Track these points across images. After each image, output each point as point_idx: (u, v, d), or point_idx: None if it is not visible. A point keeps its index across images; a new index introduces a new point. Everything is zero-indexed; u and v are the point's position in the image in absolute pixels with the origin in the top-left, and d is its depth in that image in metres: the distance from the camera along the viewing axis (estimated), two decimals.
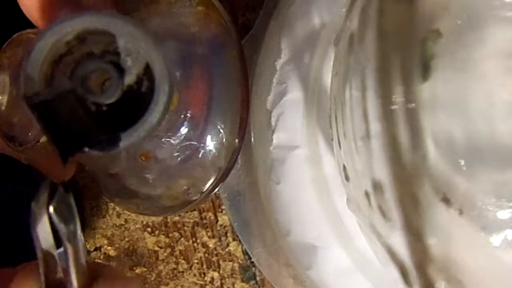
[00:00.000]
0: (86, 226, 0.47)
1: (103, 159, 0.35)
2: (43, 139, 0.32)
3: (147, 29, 0.25)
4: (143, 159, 0.34)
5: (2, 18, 0.39)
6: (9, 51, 0.31)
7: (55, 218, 0.23)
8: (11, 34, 0.32)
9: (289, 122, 0.33)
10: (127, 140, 0.25)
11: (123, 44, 0.25)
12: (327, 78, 0.32)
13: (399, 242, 0.22)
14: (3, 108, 0.31)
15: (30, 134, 0.32)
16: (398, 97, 0.21)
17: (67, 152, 0.25)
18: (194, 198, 0.37)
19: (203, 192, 0.37)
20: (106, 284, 0.27)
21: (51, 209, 0.23)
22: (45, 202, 0.23)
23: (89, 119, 0.25)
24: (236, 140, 0.36)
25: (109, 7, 0.33)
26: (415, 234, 0.21)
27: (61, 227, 0.24)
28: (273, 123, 0.34)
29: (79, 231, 0.25)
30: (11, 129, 0.32)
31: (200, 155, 0.36)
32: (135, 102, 0.26)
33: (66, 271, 0.25)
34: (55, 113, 0.25)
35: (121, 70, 0.25)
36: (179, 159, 0.35)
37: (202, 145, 0.35)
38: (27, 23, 0.33)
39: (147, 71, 0.26)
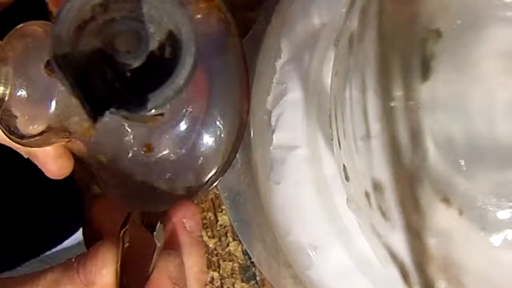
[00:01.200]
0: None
1: (104, 146, 0.35)
2: (44, 132, 0.32)
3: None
4: (145, 150, 0.34)
5: (3, 10, 0.39)
6: (12, 43, 0.31)
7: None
8: (12, 26, 0.32)
9: (289, 122, 0.33)
10: (155, 101, 0.25)
11: (146, 10, 0.25)
12: (327, 78, 0.32)
13: (399, 242, 0.22)
14: (6, 100, 0.31)
15: (30, 127, 0.32)
16: (398, 97, 0.21)
17: (96, 111, 0.25)
18: (192, 193, 0.37)
19: (201, 187, 0.37)
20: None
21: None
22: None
23: (116, 81, 0.26)
24: (235, 138, 0.36)
25: None
26: (415, 234, 0.21)
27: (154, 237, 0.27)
28: (273, 123, 0.33)
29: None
30: (13, 122, 0.32)
31: (198, 150, 0.36)
32: (158, 68, 0.26)
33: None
34: (83, 74, 0.25)
35: (145, 37, 0.26)
36: (178, 153, 0.35)
37: (201, 140, 0.35)
38: (29, 15, 0.33)
39: (170, 37, 0.26)
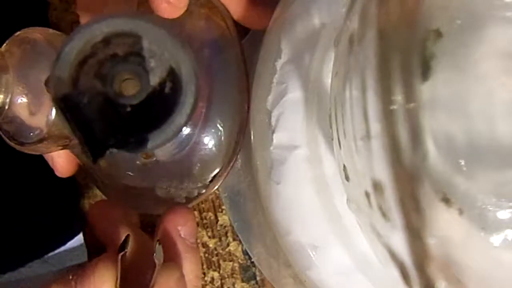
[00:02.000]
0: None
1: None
2: (45, 138, 0.32)
3: (174, 31, 0.25)
4: (144, 157, 0.34)
5: (2, 16, 0.39)
6: (12, 49, 0.31)
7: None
8: (11, 32, 0.32)
9: (289, 122, 0.33)
10: (155, 141, 0.26)
11: (147, 46, 0.25)
12: (327, 78, 0.32)
13: (399, 242, 0.22)
14: (6, 107, 0.31)
15: (31, 134, 0.32)
16: (398, 97, 0.21)
17: (97, 152, 0.25)
18: (193, 195, 0.37)
19: (202, 190, 0.37)
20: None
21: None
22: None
23: (116, 120, 0.26)
24: (235, 139, 0.36)
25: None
26: (415, 234, 0.21)
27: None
28: (273, 123, 0.33)
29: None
30: (13, 129, 0.32)
31: (199, 153, 0.36)
32: (158, 104, 0.26)
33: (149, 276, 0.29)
34: (83, 114, 0.25)
35: (145, 72, 0.26)
36: (178, 156, 0.35)
37: (201, 143, 0.35)
38: (27, 22, 0.33)
39: (171, 74, 0.26)
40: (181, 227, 0.34)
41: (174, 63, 0.26)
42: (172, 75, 0.26)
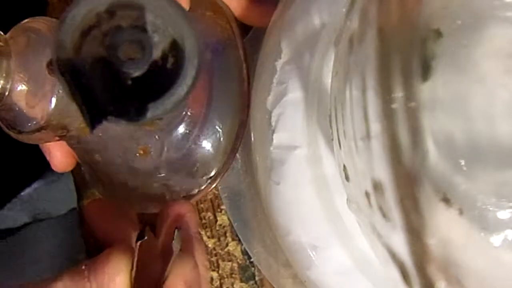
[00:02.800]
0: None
1: (101, 145, 0.35)
2: (43, 128, 0.32)
3: (178, 4, 0.25)
4: (141, 153, 0.34)
5: (6, 5, 0.39)
6: (16, 37, 0.31)
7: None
8: (14, 21, 0.32)
9: (289, 122, 0.33)
10: (154, 111, 0.25)
11: (151, 19, 0.25)
12: (327, 78, 0.32)
13: (399, 242, 0.22)
14: (6, 94, 0.30)
15: (29, 123, 0.31)
16: (398, 97, 0.21)
17: (95, 118, 0.25)
18: (191, 194, 0.37)
19: (199, 189, 0.37)
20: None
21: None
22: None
23: (117, 89, 0.26)
24: (234, 140, 0.36)
25: None
26: (415, 234, 0.21)
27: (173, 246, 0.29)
28: (273, 123, 0.33)
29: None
30: (12, 116, 0.32)
31: (197, 153, 0.36)
32: (160, 77, 0.26)
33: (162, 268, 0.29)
34: (84, 80, 0.25)
35: (148, 45, 0.26)
36: (175, 156, 0.35)
37: (199, 143, 0.35)
38: (31, 11, 0.33)
39: (174, 48, 0.26)
40: (181, 219, 0.34)
41: (177, 36, 0.26)
42: (175, 49, 0.26)
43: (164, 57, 0.26)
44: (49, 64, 0.29)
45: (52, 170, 0.40)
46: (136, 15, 0.26)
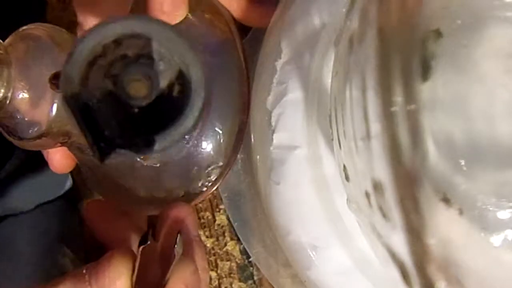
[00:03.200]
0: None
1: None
2: (44, 135, 0.32)
3: (185, 36, 0.25)
4: (142, 158, 0.34)
5: (5, 5, 0.39)
6: (15, 44, 0.31)
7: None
8: (9, 32, 0.32)
9: (289, 122, 0.33)
10: (162, 143, 0.25)
11: (157, 48, 0.25)
12: (327, 78, 0.32)
13: (399, 242, 0.22)
14: (7, 102, 0.30)
15: (31, 130, 0.31)
16: (398, 97, 0.21)
17: (104, 152, 0.25)
18: (190, 197, 0.37)
19: (200, 191, 0.37)
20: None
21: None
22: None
23: (124, 121, 0.26)
24: (234, 142, 0.36)
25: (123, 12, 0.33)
26: (415, 234, 0.21)
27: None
28: (273, 123, 0.33)
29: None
30: (13, 123, 0.32)
31: (197, 155, 0.36)
32: (165, 106, 0.26)
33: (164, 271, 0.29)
34: (92, 113, 0.25)
35: (154, 74, 0.26)
36: (176, 158, 0.35)
37: (199, 145, 0.35)
38: (25, 22, 0.33)
39: (179, 76, 0.26)
40: (181, 222, 0.34)
41: (183, 66, 0.26)
42: (181, 78, 0.26)
43: (170, 85, 0.26)
44: (52, 78, 0.29)
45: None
46: (142, 44, 0.26)
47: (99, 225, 0.35)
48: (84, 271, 0.29)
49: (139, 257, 0.29)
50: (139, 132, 0.25)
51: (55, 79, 0.28)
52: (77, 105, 0.25)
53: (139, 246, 0.29)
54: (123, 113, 0.26)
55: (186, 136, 0.26)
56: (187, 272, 0.30)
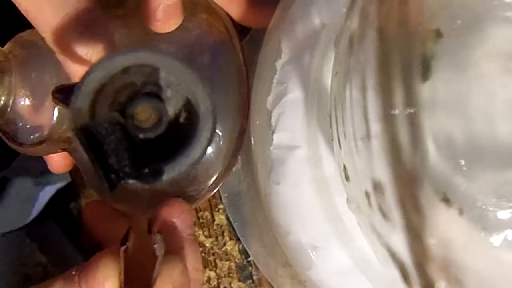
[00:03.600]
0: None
1: None
2: (45, 141, 0.32)
3: (194, 67, 0.25)
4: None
5: (3, 16, 0.39)
6: (15, 51, 0.31)
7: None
8: (9, 33, 0.32)
9: (289, 122, 0.33)
10: (170, 173, 0.26)
11: (164, 76, 0.25)
12: (327, 78, 0.32)
13: (399, 242, 0.22)
14: (8, 110, 0.30)
15: (32, 136, 0.31)
16: (398, 97, 0.21)
17: (114, 183, 0.25)
18: (191, 200, 0.37)
19: (200, 194, 0.37)
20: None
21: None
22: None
23: (132, 151, 0.26)
24: (234, 144, 0.36)
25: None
26: (415, 234, 0.21)
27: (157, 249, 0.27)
28: (273, 123, 0.33)
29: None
30: (15, 130, 0.32)
31: None
32: (174, 135, 0.26)
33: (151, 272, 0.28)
34: (101, 145, 0.25)
35: (162, 105, 0.26)
36: None
37: None
38: (24, 22, 0.32)
39: (186, 103, 0.26)
40: (176, 219, 0.33)
41: (191, 95, 0.26)
42: (189, 107, 0.26)
43: (177, 114, 0.26)
44: (55, 92, 0.29)
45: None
46: (149, 72, 0.26)
47: (98, 225, 0.35)
48: (73, 272, 0.29)
49: (122, 258, 0.29)
50: (147, 163, 0.26)
51: (58, 93, 0.28)
52: (87, 137, 0.25)
53: (120, 247, 0.29)
54: (132, 143, 0.26)
55: (195, 166, 0.26)
56: (174, 272, 0.30)
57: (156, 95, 0.26)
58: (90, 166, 0.36)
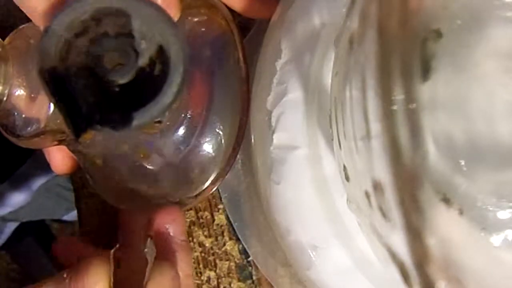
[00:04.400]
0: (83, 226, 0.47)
1: (100, 149, 0.35)
2: (42, 133, 0.32)
3: (164, 11, 0.25)
4: (142, 156, 0.34)
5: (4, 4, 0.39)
6: (14, 42, 0.31)
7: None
8: (13, 19, 0.32)
9: (289, 122, 0.33)
10: (140, 119, 0.25)
11: (138, 26, 0.25)
12: (327, 78, 0.32)
13: (399, 242, 0.22)
14: (4, 99, 0.30)
15: (28, 128, 0.31)
16: (398, 97, 0.21)
17: (80, 127, 0.25)
18: (190, 198, 0.37)
19: (200, 192, 0.37)
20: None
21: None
22: None
23: (102, 98, 0.25)
24: (235, 142, 0.36)
25: None
26: (415, 234, 0.21)
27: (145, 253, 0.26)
28: (273, 123, 0.33)
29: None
30: (11, 121, 0.32)
31: (197, 156, 0.36)
32: (147, 84, 0.26)
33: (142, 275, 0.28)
34: (68, 88, 0.25)
35: (135, 52, 0.25)
36: (176, 159, 0.35)
37: (199, 146, 0.35)
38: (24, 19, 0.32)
39: (161, 54, 0.26)
40: (169, 225, 0.33)
41: (164, 43, 0.25)
42: (162, 56, 0.26)
43: (151, 64, 0.26)
44: (40, 71, 0.29)
45: None
46: (123, 22, 0.25)
47: (71, 260, 0.35)
48: (65, 275, 0.29)
49: (112, 262, 0.29)
50: (116, 109, 0.25)
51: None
52: (54, 80, 0.25)
53: (110, 251, 0.29)
54: (102, 90, 0.25)
55: (165, 113, 0.25)
56: (165, 278, 0.30)
57: (130, 45, 0.26)
58: (90, 162, 0.36)
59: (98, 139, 0.34)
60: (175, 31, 0.25)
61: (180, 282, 0.32)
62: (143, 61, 0.26)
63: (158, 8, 0.25)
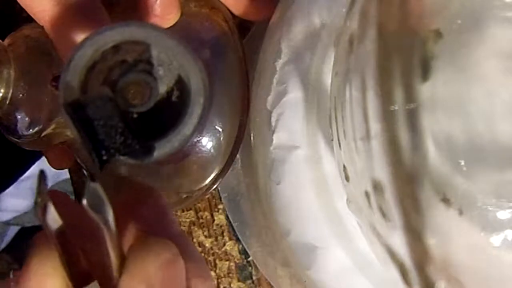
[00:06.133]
0: None
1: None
2: (44, 134, 0.32)
3: (184, 42, 0.25)
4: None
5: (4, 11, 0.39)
6: (15, 44, 0.31)
7: (89, 210, 0.21)
8: (12, 18, 0.32)
9: (289, 122, 0.33)
10: (161, 150, 0.25)
11: (156, 54, 0.25)
12: (327, 78, 0.32)
13: (399, 242, 0.22)
14: (7, 102, 0.30)
15: (31, 130, 0.32)
16: (398, 97, 0.21)
17: (103, 160, 0.25)
18: (190, 196, 0.37)
19: (199, 191, 0.37)
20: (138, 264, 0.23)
21: (84, 202, 0.21)
22: (45, 191, 0.22)
23: (123, 128, 0.25)
24: (234, 141, 0.36)
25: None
26: (415, 234, 0.21)
27: (95, 216, 0.22)
28: (273, 123, 0.33)
29: (110, 218, 0.22)
30: (13, 123, 0.32)
31: (197, 155, 0.36)
32: (165, 111, 0.26)
33: (105, 255, 0.23)
34: (91, 121, 0.25)
35: (154, 80, 0.26)
36: (176, 156, 0.35)
37: (199, 145, 0.35)
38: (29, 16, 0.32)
39: (179, 81, 0.26)
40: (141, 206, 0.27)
41: (183, 72, 0.25)
42: (181, 84, 0.26)
43: (169, 91, 0.26)
44: (53, 80, 0.29)
45: None
46: (141, 50, 0.25)
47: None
48: (11, 275, 0.26)
49: (58, 248, 0.23)
50: (138, 139, 0.25)
51: (56, 81, 0.28)
52: (77, 113, 0.25)
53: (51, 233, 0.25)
54: (122, 120, 0.25)
55: (187, 143, 0.26)
56: (149, 267, 0.22)
57: (148, 73, 0.26)
58: (90, 163, 0.36)
59: None
60: (195, 61, 0.25)
61: (185, 274, 0.24)
62: (162, 88, 0.26)
63: (179, 40, 0.25)
